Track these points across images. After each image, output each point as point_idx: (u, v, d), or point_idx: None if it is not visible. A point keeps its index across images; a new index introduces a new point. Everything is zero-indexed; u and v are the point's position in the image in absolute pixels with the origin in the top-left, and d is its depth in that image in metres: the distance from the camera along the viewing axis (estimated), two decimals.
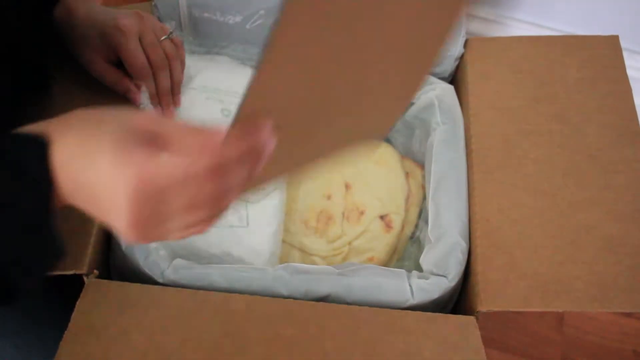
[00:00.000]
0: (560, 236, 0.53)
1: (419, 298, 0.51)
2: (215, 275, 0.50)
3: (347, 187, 0.65)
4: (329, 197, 0.64)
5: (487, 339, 0.48)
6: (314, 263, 0.61)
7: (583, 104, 0.61)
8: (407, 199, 0.65)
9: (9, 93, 0.51)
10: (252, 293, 0.50)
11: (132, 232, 0.30)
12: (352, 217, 0.63)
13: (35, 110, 0.54)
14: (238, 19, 0.66)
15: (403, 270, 0.53)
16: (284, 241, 0.62)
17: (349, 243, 0.62)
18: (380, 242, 0.62)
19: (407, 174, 0.66)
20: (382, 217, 0.63)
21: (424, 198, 0.66)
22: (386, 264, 0.62)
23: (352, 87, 0.34)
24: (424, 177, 0.67)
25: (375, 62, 0.33)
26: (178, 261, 0.51)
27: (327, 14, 0.27)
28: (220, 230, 0.57)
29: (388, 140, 0.73)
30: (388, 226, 0.63)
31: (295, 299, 0.50)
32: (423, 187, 0.66)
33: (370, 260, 0.61)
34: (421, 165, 0.68)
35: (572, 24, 1.00)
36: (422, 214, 0.66)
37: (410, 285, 0.51)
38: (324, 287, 0.51)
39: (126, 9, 0.64)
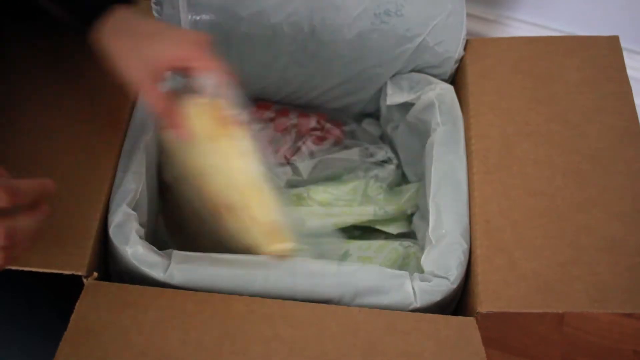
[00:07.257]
0: (561, 237, 0.53)
1: (422, 301, 0.51)
2: (217, 276, 0.50)
3: None
4: None
5: (488, 340, 0.48)
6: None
7: (583, 104, 0.61)
8: None
9: None
10: (254, 294, 0.50)
11: None
12: None
13: None
14: (238, 19, 0.66)
15: (406, 273, 0.53)
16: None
17: None
18: None
19: None
20: None
21: None
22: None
23: None
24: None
25: None
26: (178, 262, 0.51)
27: None
28: None
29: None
30: None
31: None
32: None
33: None
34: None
35: (572, 24, 1.00)
36: (417, 211, 0.66)
37: (413, 288, 0.51)
38: (326, 293, 0.51)
39: None
